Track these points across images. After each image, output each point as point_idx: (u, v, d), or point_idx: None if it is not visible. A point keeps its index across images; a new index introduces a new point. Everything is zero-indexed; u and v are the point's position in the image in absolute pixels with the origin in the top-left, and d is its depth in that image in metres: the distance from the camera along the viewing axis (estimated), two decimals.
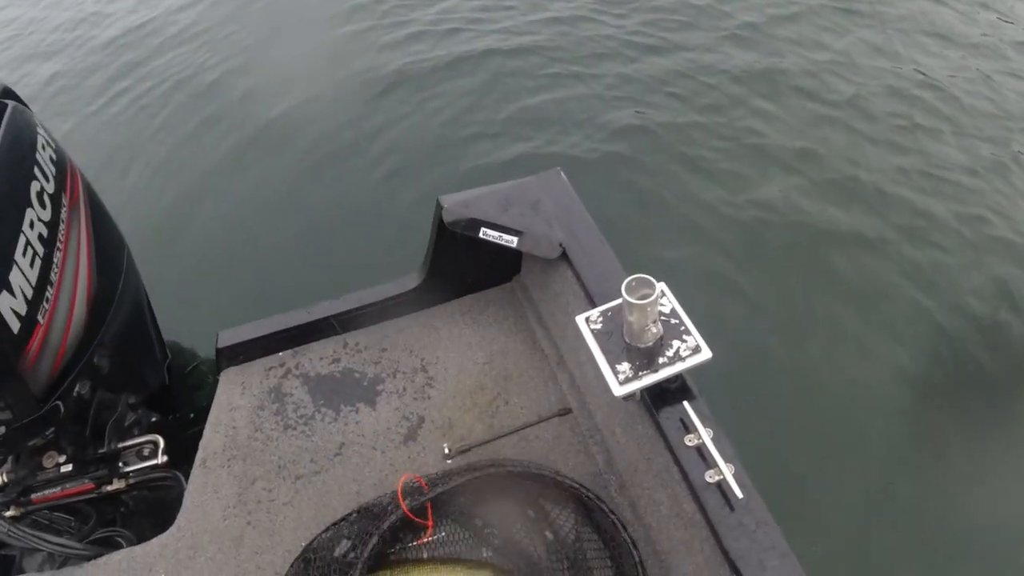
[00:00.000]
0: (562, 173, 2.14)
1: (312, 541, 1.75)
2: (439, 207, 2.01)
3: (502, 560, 1.67)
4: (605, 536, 1.69)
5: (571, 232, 1.97)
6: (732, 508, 1.39)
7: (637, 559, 1.61)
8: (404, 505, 1.62)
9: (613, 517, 1.67)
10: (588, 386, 1.94)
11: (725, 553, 1.37)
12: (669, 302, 1.57)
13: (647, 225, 3.49)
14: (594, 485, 1.80)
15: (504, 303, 2.28)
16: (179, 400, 2.98)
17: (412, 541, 1.73)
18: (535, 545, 1.68)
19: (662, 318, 1.54)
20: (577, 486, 1.72)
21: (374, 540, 1.63)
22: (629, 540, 1.64)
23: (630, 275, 1.77)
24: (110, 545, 2.00)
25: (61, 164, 1.94)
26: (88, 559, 1.79)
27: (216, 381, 2.18)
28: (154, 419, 2.34)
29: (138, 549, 1.80)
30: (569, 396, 2.00)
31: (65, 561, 1.85)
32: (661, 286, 1.49)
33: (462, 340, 2.19)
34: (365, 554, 1.61)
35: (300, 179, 3.99)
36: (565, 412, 1.97)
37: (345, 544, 1.67)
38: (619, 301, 1.62)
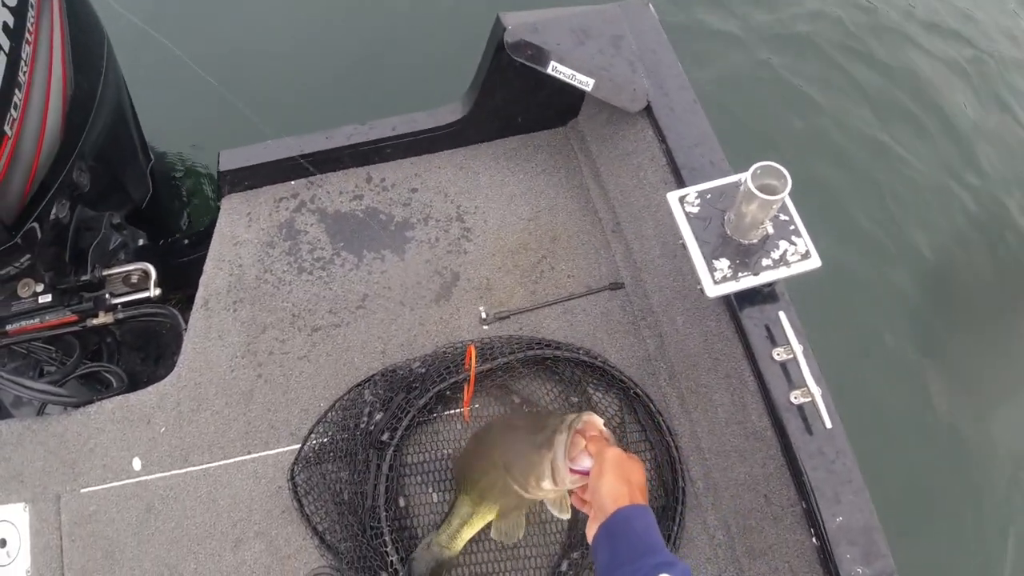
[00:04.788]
0: (651, 5, 1.73)
1: (333, 404, 1.61)
2: (499, 26, 1.62)
3: None
4: (647, 426, 1.59)
5: (658, 82, 1.62)
6: (811, 433, 1.27)
7: (676, 453, 1.53)
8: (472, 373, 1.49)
9: (660, 418, 1.56)
10: (647, 263, 1.73)
11: (797, 476, 1.27)
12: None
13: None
14: (641, 371, 1.66)
15: (555, 151, 1.97)
16: (169, 217, 2.66)
17: (443, 411, 1.62)
18: None
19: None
20: (625, 379, 1.59)
21: (412, 413, 1.51)
22: (672, 442, 1.54)
23: (729, 149, 1.49)
24: (98, 381, 1.83)
25: None
26: (77, 406, 1.61)
27: (217, 208, 1.90)
28: (141, 242, 2.07)
29: (132, 397, 1.62)
30: (623, 269, 1.79)
31: (45, 407, 1.66)
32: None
33: (505, 189, 1.91)
34: (402, 428, 1.49)
35: None
36: (617, 286, 1.78)
37: (376, 412, 1.54)
38: (724, 182, 1.36)
